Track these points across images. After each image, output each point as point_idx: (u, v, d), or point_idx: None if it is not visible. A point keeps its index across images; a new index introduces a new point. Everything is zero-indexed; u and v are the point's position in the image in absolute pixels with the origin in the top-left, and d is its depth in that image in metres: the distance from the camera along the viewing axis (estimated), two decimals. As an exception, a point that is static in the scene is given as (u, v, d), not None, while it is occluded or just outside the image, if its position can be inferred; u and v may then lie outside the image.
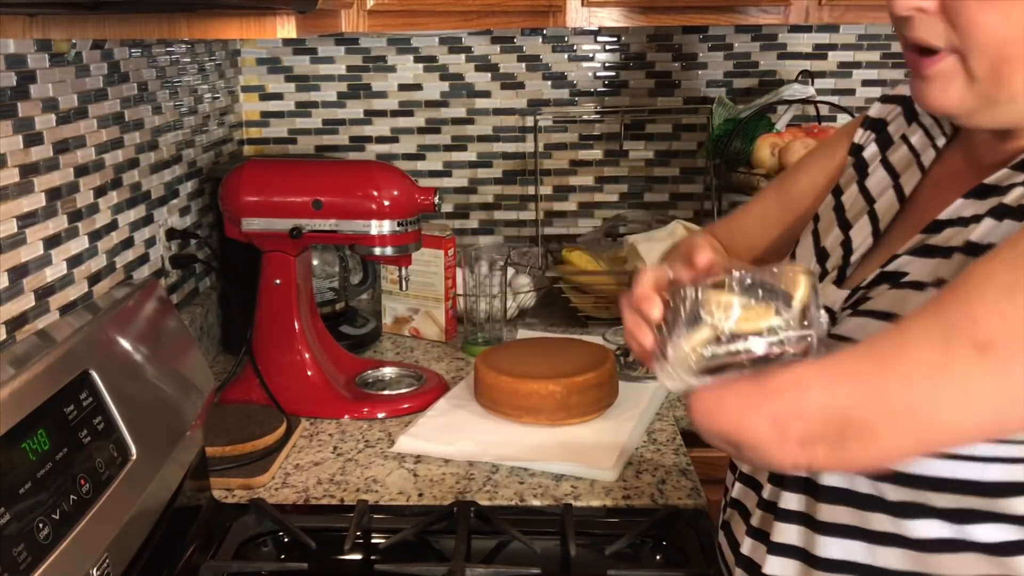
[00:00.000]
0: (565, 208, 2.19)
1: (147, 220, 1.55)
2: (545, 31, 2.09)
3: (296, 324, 1.54)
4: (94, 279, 1.34)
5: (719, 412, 0.73)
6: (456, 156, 2.16)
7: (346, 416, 1.53)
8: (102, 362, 1.04)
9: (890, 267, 0.79)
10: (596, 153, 2.17)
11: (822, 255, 0.90)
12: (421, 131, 2.15)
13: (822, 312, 0.76)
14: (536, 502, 1.27)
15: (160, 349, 1.19)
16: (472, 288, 1.78)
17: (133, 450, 1.04)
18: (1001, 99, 0.74)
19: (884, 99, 0.96)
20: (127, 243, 1.46)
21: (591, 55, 2.11)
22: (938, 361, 0.66)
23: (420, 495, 1.28)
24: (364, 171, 1.52)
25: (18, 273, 1.13)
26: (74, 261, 1.28)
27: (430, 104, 2.13)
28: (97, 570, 0.91)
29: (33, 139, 1.17)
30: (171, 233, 1.65)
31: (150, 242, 1.56)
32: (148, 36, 1.09)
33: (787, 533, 0.83)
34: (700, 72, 2.12)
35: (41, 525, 0.85)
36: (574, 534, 1.15)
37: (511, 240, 2.20)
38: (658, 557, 1.19)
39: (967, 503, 0.74)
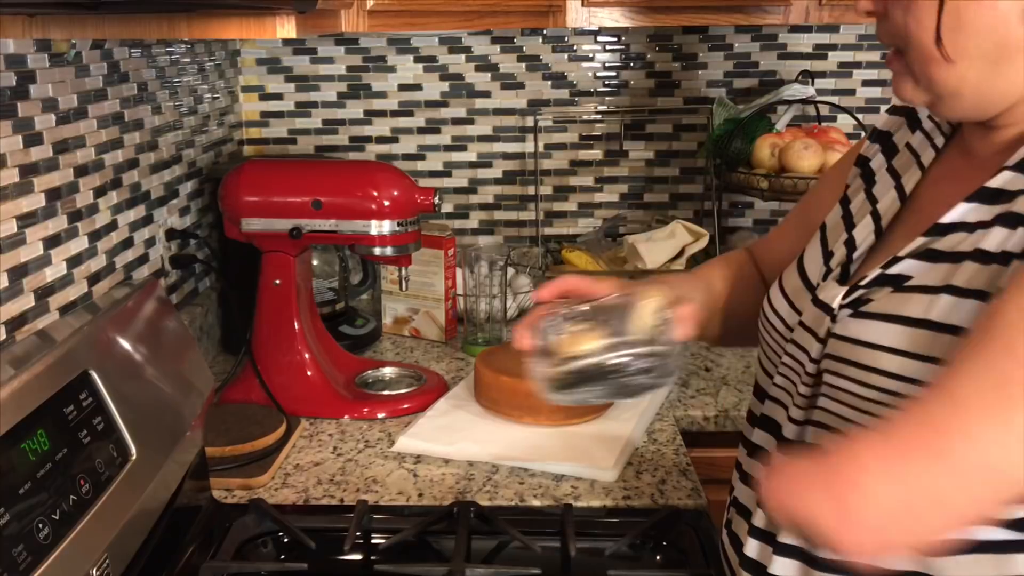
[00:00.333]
0: (565, 208, 2.19)
1: (147, 220, 1.55)
2: (545, 31, 2.09)
3: (296, 324, 1.54)
4: (94, 279, 1.34)
5: (787, 500, 0.73)
6: (456, 156, 2.16)
7: (346, 416, 1.53)
8: (102, 362, 1.04)
9: (892, 270, 0.79)
10: (596, 153, 2.17)
11: (828, 256, 0.90)
12: (421, 131, 2.14)
13: (673, 327, 0.89)
14: (536, 502, 1.27)
15: (160, 349, 1.19)
16: (472, 288, 1.78)
17: (133, 450, 1.04)
18: (944, 94, 0.77)
19: (891, 110, 0.97)
20: (127, 243, 1.46)
21: (591, 55, 2.11)
22: (998, 412, 0.65)
23: (420, 495, 1.28)
24: (364, 171, 1.52)
25: (18, 273, 1.13)
26: (74, 261, 1.27)
27: (430, 104, 2.13)
28: (97, 570, 0.91)
29: (33, 139, 1.17)
30: (171, 233, 1.65)
31: (150, 242, 1.56)
32: (148, 36, 1.09)
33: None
34: (700, 72, 2.12)
35: (41, 525, 0.85)
36: (574, 534, 1.15)
37: (511, 240, 2.20)
38: (658, 557, 1.19)
39: None
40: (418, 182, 1.53)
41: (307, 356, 1.55)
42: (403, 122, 2.14)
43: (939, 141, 0.87)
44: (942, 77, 0.76)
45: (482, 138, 2.15)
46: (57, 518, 0.88)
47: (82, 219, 1.30)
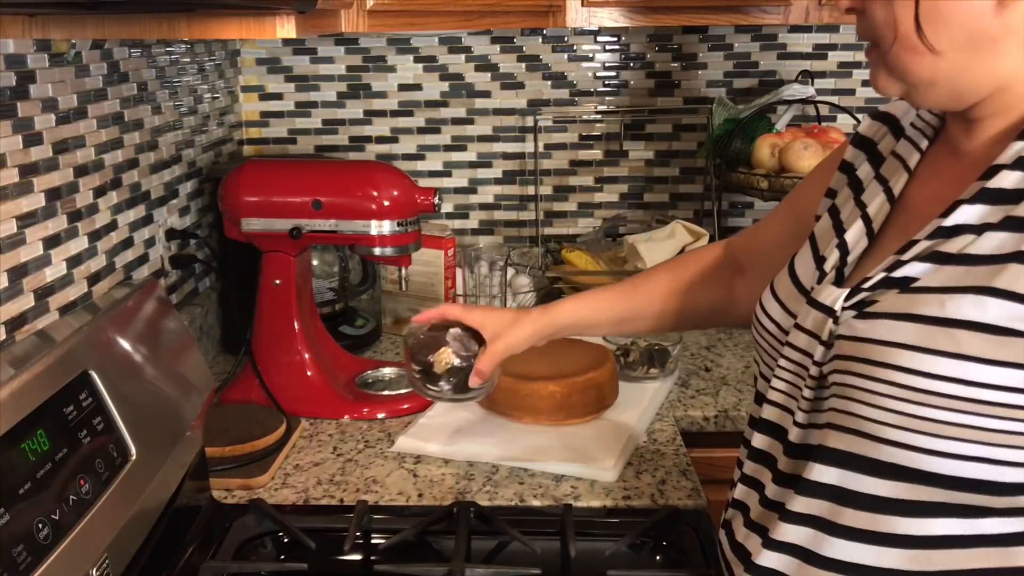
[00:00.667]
0: (565, 208, 2.19)
1: (147, 220, 1.55)
2: (545, 31, 2.09)
3: (296, 324, 1.54)
4: (94, 279, 1.34)
5: None
6: (456, 156, 2.16)
7: (346, 416, 1.53)
8: (102, 362, 1.04)
9: (897, 273, 0.80)
10: (596, 153, 2.17)
11: (820, 261, 0.91)
12: (421, 131, 2.14)
13: (466, 374, 1.21)
14: (536, 502, 1.27)
15: (160, 349, 1.19)
16: (472, 288, 1.78)
17: (133, 450, 1.04)
18: (918, 84, 0.80)
19: (873, 115, 0.98)
20: (127, 243, 1.46)
21: (591, 55, 2.11)
22: None
23: (420, 495, 1.28)
24: (364, 171, 1.52)
25: (18, 273, 1.13)
26: (74, 261, 1.27)
27: (430, 104, 2.13)
28: (97, 570, 0.91)
29: (33, 139, 1.17)
30: (171, 233, 1.65)
31: (150, 242, 1.56)
32: (148, 36, 1.09)
33: (791, 533, 0.83)
34: (700, 72, 2.12)
35: (41, 525, 0.85)
36: (574, 534, 1.15)
37: (511, 240, 2.20)
38: (658, 557, 1.19)
39: (982, 501, 0.75)
40: (418, 182, 1.53)
41: (307, 356, 1.55)
42: (403, 122, 2.14)
43: (923, 144, 0.89)
44: (916, 68, 0.78)
45: (482, 138, 2.15)
46: (57, 518, 0.88)
47: (82, 219, 1.30)
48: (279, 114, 2.14)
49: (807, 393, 0.85)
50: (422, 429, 1.45)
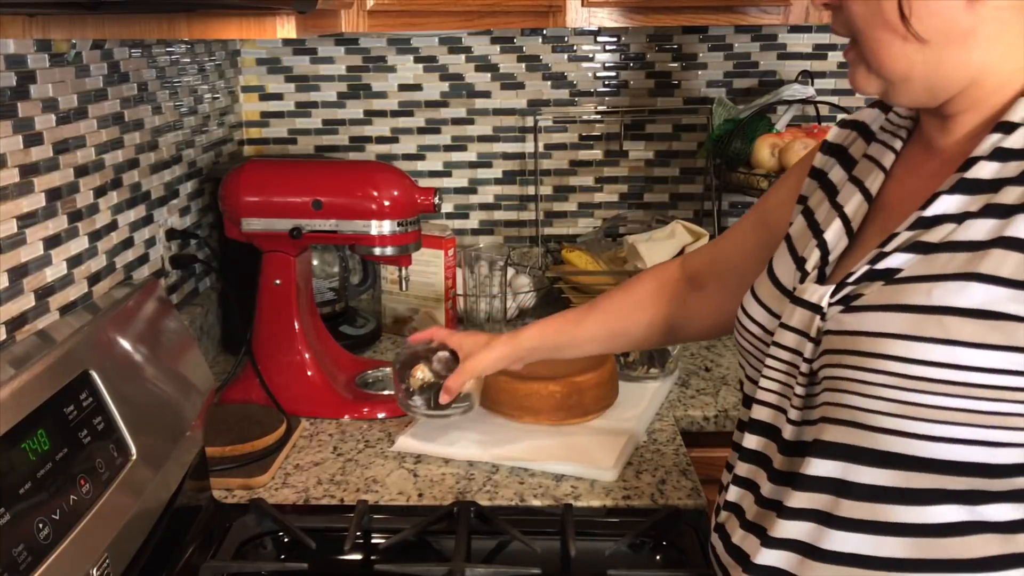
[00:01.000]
0: (565, 208, 2.19)
1: (147, 220, 1.55)
2: (545, 31, 2.09)
3: (296, 324, 1.54)
4: (94, 279, 1.34)
5: None
6: (456, 156, 2.16)
7: (346, 416, 1.53)
8: (102, 362, 1.04)
9: (880, 264, 0.81)
10: (596, 153, 2.16)
11: (801, 262, 0.92)
12: (421, 131, 2.14)
13: (438, 393, 1.31)
14: (536, 502, 1.27)
15: (160, 349, 1.20)
16: (472, 288, 1.78)
17: (133, 450, 1.04)
18: (895, 80, 0.81)
19: (841, 124, 1.00)
20: (127, 243, 1.46)
21: (591, 55, 2.11)
22: None
23: (420, 495, 1.28)
24: (364, 171, 1.52)
25: (18, 273, 1.13)
26: (74, 261, 1.27)
27: (430, 104, 2.13)
28: (97, 570, 0.91)
29: (33, 139, 1.17)
30: (171, 233, 1.65)
31: (150, 242, 1.56)
32: (148, 36, 1.09)
33: (791, 529, 0.83)
34: (700, 72, 2.12)
35: (41, 525, 0.85)
36: (574, 534, 1.15)
37: (511, 240, 2.20)
38: (658, 557, 1.19)
39: (980, 484, 0.76)
40: (418, 182, 1.53)
41: (307, 356, 1.55)
42: (403, 122, 2.14)
43: (897, 144, 0.90)
44: (893, 63, 0.80)
45: (482, 138, 2.15)
46: (57, 518, 0.88)
47: (82, 219, 1.30)
48: (279, 114, 2.14)
49: (799, 390, 0.85)
50: (422, 429, 1.45)
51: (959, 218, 0.77)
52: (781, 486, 0.86)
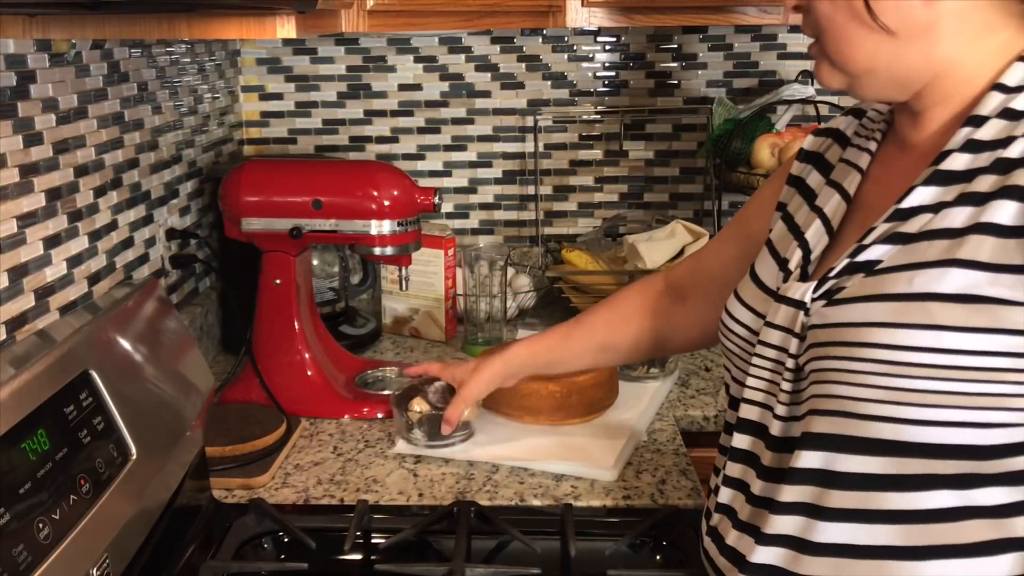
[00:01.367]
0: (565, 208, 2.19)
1: (147, 220, 1.55)
2: (545, 31, 2.09)
3: (296, 324, 1.54)
4: (94, 279, 1.34)
5: None
6: (456, 156, 2.16)
7: (346, 416, 1.53)
8: (102, 362, 1.04)
9: (860, 257, 0.82)
10: (596, 153, 2.17)
11: (783, 263, 0.94)
12: (421, 131, 2.15)
13: (438, 424, 1.34)
14: (536, 502, 1.27)
15: (160, 349, 1.20)
16: (472, 288, 1.78)
17: (133, 450, 1.04)
18: (859, 74, 0.84)
19: (816, 133, 1.02)
20: (127, 243, 1.46)
21: (591, 55, 2.11)
22: None
23: (420, 495, 1.28)
24: (364, 171, 1.52)
25: (18, 273, 1.13)
26: (74, 261, 1.27)
27: (430, 104, 2.13)
28: (97, 570, 0.91)
29: (33, 139, 1.17)
30: (171, 233, 1.65)
31: (150, 242, 1.56)
32: (148, 36, 1.09)
33: (782, 524, 0.84)
34: (700, 72, 2.12)
35: (41, 525, 0.85)
36: (574, 534, 1.15)
37: (511, 240, 2.20)
38: (658, 557, 1.19)
39: (971, 467, 0.76)
40: (418, 182, 1.53)
41: (307, 356, 1.55)
42: (403, 122, 2.14)
43: (872, 146, 0.92)
44: (854, 56, 0.82)
45: (482, 138, 2.15)
46: (57, 518, 0.88)
47: (82, 219, 1.30)
48: (279, 114, 2.14)
49: (786, 386, 0.86)
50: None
51: (935, 208, 0.79)
52: (771, 483, 0.86)
